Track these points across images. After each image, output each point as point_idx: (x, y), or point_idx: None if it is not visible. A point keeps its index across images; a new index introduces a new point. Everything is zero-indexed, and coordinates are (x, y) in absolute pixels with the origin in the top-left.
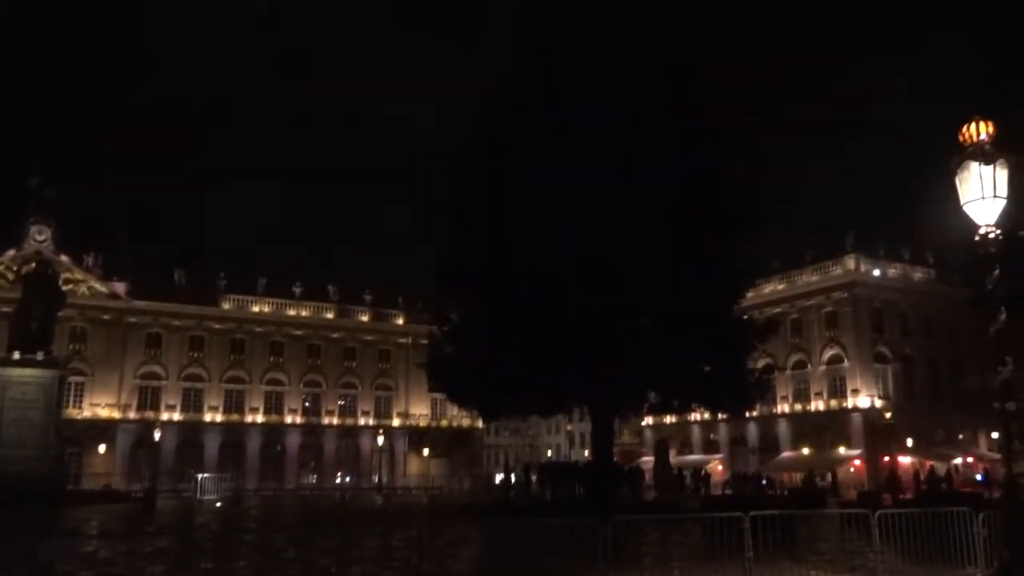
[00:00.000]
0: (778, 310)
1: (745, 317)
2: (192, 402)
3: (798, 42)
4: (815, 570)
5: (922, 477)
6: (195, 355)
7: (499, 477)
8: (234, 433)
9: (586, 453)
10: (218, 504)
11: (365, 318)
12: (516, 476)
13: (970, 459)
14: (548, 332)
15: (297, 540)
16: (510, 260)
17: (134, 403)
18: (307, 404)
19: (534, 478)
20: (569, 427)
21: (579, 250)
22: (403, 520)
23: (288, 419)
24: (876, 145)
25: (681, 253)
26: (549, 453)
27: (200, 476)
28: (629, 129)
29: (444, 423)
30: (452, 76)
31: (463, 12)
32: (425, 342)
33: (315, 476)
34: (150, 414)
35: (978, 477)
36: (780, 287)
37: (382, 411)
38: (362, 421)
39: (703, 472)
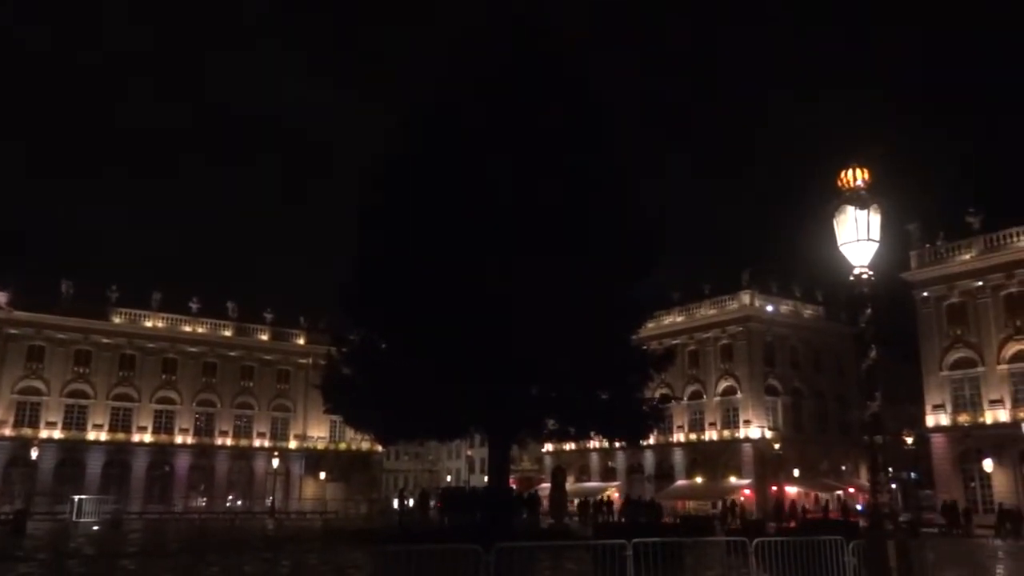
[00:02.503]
0: (676, 341)
1: (644, 347)
2: (75, 419)
3: (697, 77)
4: None
5: (807, 506)
6: (80, 370)
7: (397, 502)
8: (119, 453)
9: (485, 479)
10: (95, 527)
11: (264, 337)
12: (413, 501)
13: (851, 489)
14: (446, 358)
15: (176, 567)
16: (410, 285)
17: (11, 419)
18: (200, 424)
19: (432, 503)
20: (469, 452)
21: (479, 279)
22: (293, 546)
23: (179, 439)
24: (772, 185)
25: (581, 284)
26: (449, 478)
27: (78, 498)
28: (531, 161)
29: (343, 446)
30: (354, 94)
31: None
32: (326, 363)
33: (205, 499)
34: (28, 431)
35: (858, 507)
36: (679, 319)
37: (279, 433)
38: (257, 443)
39: (604, 499)
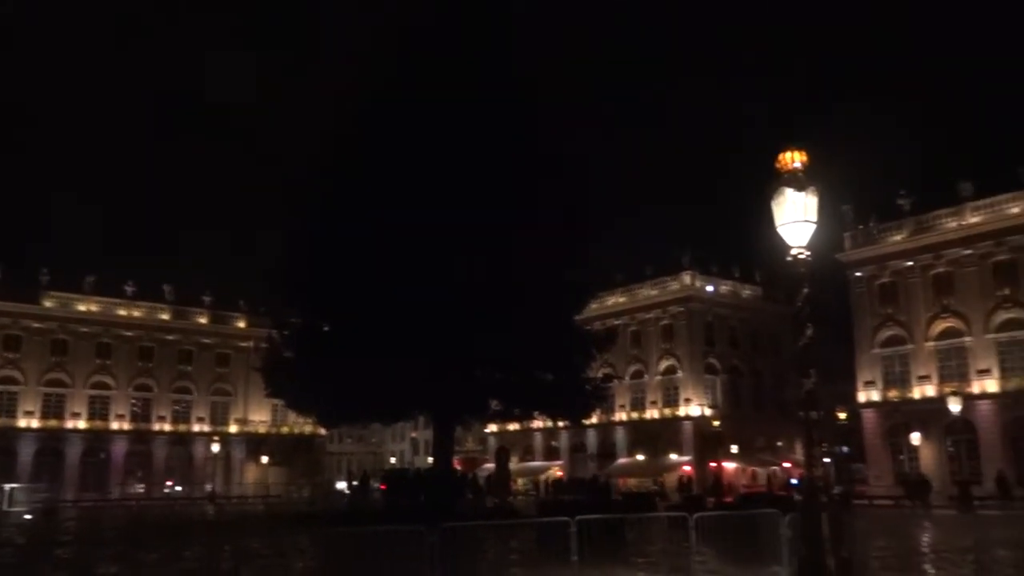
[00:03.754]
0: (619, 322)
1: (588, 328)
2: (4, 406)
3: (638, 61)
4: (639, 571)
5: (744, 481)
6: (9, 356)
7: (340, 485)
8: (52, 440)
9: (430, 460)
10: (27, 516)
11: (204, 320)
12: (356, 484)
13: (787, 464)
14: (390, 340)
15: (113, 555)
16: (353, 267)
17: None
18: (136, 409)
19: (375, 486)
20: (414, 434)
21: (421, 261)
22: (234, 531)
23: (114, 425)
24: (713, 164)
25: (524, 265)
26: (393, 460)
27: (8, 486)
28: (471, 141)
29: (285, 430)
30: (288, 83)
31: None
32: (267, 346)
33: (143, 486)
34: None
35: (793, 481)
36: (621, 300)
37: (219, 417)
38: (196, 428)
39: (555, 479)
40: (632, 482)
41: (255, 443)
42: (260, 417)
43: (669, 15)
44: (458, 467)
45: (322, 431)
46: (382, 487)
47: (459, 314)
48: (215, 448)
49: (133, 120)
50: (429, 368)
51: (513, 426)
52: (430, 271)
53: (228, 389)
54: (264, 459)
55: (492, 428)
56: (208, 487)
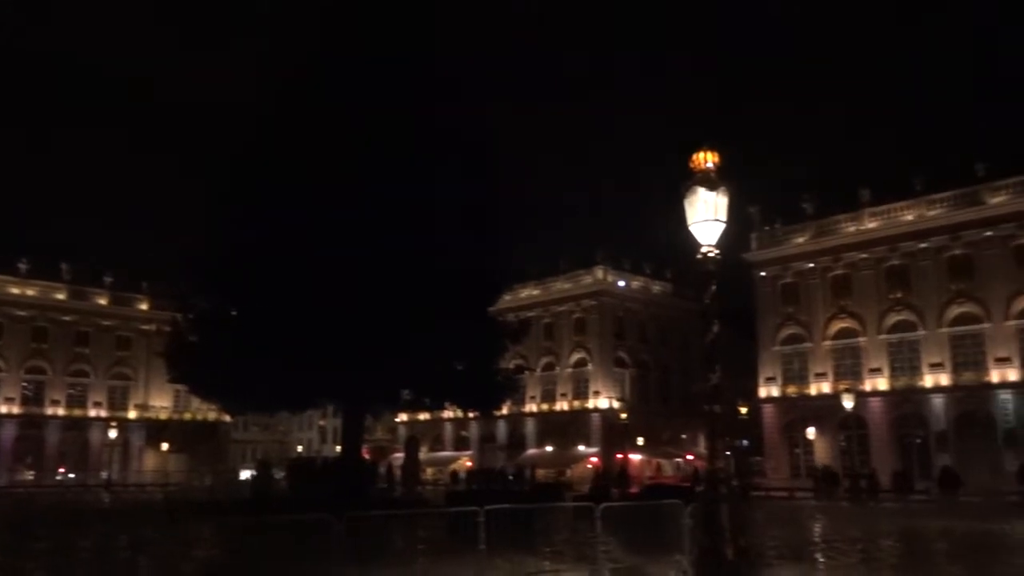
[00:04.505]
0: (532, 314)
1: (501, 319)
2: None
3: (553, 63)
4: (545, 560)
5: (649, 473)
6: None
7: (245, 474)
8: None
9: (338, 449)
10: None
11: (103, 301)
12: (261, 472)
13: (690, 457)
14: (298, 326)
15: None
16: (262, 252)
17: None
18: (27, 392)
19: (281, 475)
20: (322, 422)
21: (331, 247)
22: (131, 519)
23: (3, 408)
24: (628, 163)
25: (437, 255)
26: (300, 448)
27: None
28: (386, 135)
29: (188, 416)
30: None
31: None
32: (171, 330)
33: (33, 472)
34: None
35: (696, 473)
36: (536, 292)
37: (117, 402)
38: (93, 412)
39: (460, 469)
40: (541, 472)
41: (156, 429)
42: (162, 403)
43: (598, 9)
44: (367, 456)
45: (227, 418)
46: (286, 477)
47: (369, 302)
48: (112, 434)
49: (40, 94)
50: (339, 356)
51: (423, 416)
52: (340, 259)
53: (128, 373)
54: (165, 446)
55: (402, 417)
56: (104, 474)
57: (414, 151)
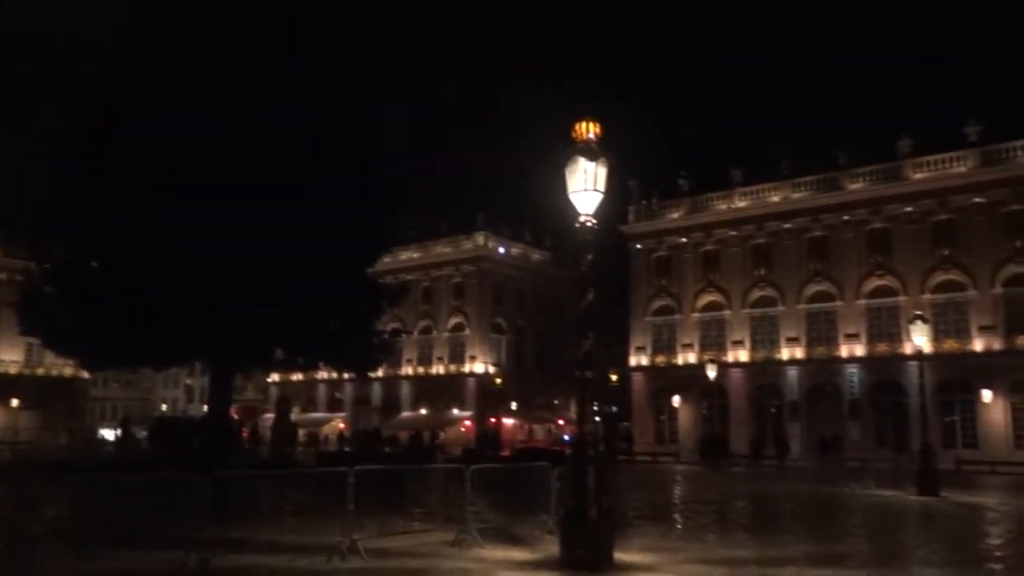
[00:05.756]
0: (411, 277)
1: (380, 280)
2: None
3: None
4: (415, 521)
5: (521, 437)
6: None
7: (105, 432)
8: None
9: (205, 409)
10: None
11: None
12: (119, 430)
13: (562, 422)
14: (162, 278)
15: None
16: (126, 199)
17: None
18: None
19: (143, 434)
20: (189, 381)
21: (200, 196)
22: None
23: None
24: (511, 129)
25: (313, 207)
26: (164, 407)
27: None
28: (267, 84)
29: (40, 371)
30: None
31: None
32: (22, 279)
33: None
34: None
35: (565, 437)
36: (416, 255)
37: None
38: None
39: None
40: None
41: (4, 385)
42: (11, 356)
43: None
44: (236, 417)
45: (85, 374)
46: (149, 435)
47: (239, 256)
48: None
49: None
50: (206, 311)
51: (296, 376)
52: (209, 207)
53: None
54: (15, 402)
55: (274, 377)
56: None
57: (296, 101)
